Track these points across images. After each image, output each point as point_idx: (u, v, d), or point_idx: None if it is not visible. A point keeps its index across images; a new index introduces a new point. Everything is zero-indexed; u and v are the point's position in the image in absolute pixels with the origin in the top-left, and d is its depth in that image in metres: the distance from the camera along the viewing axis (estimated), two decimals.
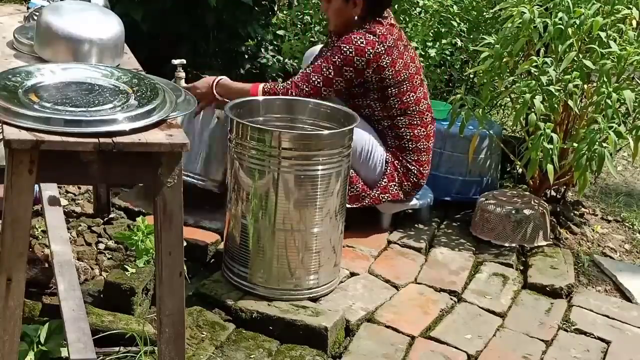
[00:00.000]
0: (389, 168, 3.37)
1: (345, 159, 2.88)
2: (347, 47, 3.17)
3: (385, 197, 3.38)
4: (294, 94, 3.16)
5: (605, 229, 3.90)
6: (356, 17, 3.26)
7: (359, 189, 3.33)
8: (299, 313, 2.76)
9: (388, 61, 3.21)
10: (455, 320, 2.93)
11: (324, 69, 3.18)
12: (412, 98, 3.34)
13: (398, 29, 3.35)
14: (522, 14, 3.40)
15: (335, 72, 3.16)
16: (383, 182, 3.36)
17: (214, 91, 3.23)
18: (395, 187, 3.38)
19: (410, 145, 3.38)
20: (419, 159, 3.41)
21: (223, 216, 3.04)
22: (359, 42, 3.17)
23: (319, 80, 3.17)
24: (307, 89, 3.17)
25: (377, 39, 3.19)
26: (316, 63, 3.24)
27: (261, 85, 3.21)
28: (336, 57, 3.17)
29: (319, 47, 3.70)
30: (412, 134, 3.37)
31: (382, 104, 3.30)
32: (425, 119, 3.41)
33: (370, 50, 3.16)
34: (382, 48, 3.19)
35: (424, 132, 3.40)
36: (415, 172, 3.41)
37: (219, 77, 3.28)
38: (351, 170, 3.28)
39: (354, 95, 3.30)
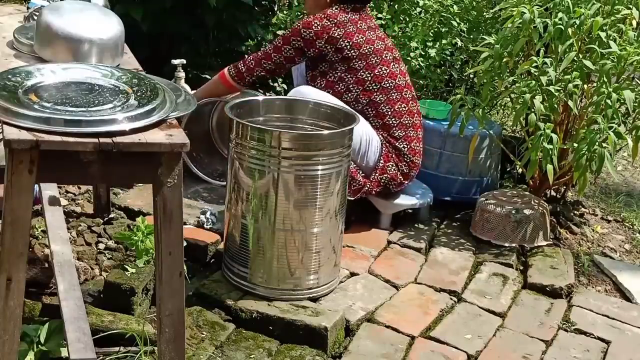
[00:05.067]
0: (383, 149, 3.40)
1: (345, 159, 2.88)
2: (297, 23, 3.48)
3: (385, 178, 3.40)
4: (249, 59, 3.45)
5: (605, 229, 3.90)
6: (329, 1, 3.48)
7: (360, 182, 3.34)
8: (299, 313, 2.76)
9: (340, 32, 3.36)
10: (455, 320, 2.93)
11: (275, 41, 3.47)
12: (385, 71, 3.40)
13: (368, 17, 3.49)
14: (522, 14, 3.40)
15: (284, 42, 3.41)
16: (380, 164, 3.39)
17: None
18: (393, 167, 3.41)
19: (394, 122, 3.41)
20: (407, 135, 3.44)
21: None
22: (307, 19, 3.43)
23: (269, 48, 3.44)
24: (260, 54, 3.43)
25: (324, 16, 3.40)
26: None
27: (227, 68, 3.49)
28: (286, 31, 3.52)
29: None
30: (393, 109, 3.41)
31: (354, 77, 3.37)
32: (405, 94, 3.46)
33: (318, 23, 3.37)
34: (330, 22, 3.37)
35: (405, 107, 3.44)
36: (406, 150, 3.43)
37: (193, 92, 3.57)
38: (352, 165, 3.29)
39: (323, 72, 3.40)
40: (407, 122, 3.43)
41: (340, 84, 3.36)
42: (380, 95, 3.38)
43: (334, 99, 3.29)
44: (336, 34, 3.34)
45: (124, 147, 1.84)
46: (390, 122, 3.40)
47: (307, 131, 3.09)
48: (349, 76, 3.36)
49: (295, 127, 3.12)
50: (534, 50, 3.57)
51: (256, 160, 2.79)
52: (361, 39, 3.36)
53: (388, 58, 3.42)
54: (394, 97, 3.40)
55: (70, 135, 1.82)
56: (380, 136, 3.41)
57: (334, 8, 3.41)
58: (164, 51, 4.22)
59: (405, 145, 3.42)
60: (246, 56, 3.54)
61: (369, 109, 3.38)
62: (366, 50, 3.36)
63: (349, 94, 3.35)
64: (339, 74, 3.37)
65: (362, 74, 3.36)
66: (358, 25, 3.39)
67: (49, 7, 2.41)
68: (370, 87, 3.37)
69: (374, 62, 3.38)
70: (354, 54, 3.35)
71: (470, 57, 4.57)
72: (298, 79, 3.59)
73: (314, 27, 3.35)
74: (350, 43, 3.35)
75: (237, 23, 4.44)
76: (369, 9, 3.57)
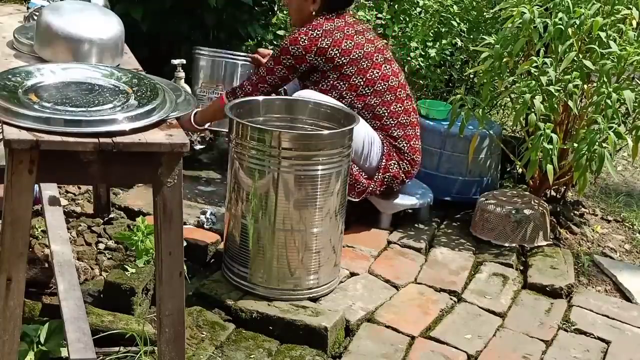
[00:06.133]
0: (384, 149, 3.40)
1: (345, 159, 2.88)
2: (284, 41, 3.43)
3: (388, 177, 3.40)
4: (245, 84, 3.42)
5: (605, 229, 3.90)
6: (313, 12, 3.45)
7: (364, 184, 3.34)
8: (299, 313, 2.76)
9: (328, 41, 3.34)
10: (455, 320, 2.93)
11: (267, 63, 3.45)
12: (376, 74, 3.39)
13: (353, 20, 3.49)
14: (522, 14, 3.40)
15: (275, 62, 3.39)
16: (382, 163, 3.39)
17: (193, 125, 3.54)
18: (395, 166, 3.40)
19: (391, 122, 3.41)
20: (406, 133, 3.44)
21: None
22: (293, 35, 3.40)
23: (262, 71, 3.43)
24: (254, 78, 3.42)
25: (309, 29, 3.37)
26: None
27: (224, 96, 3.45)
28: (275, 50, 3.46)
29: None
30: (389, 110, 3.40)
31: (346, 84, 3.35)
32: (400, 94, 3.45)
33: (304, 37, 3.35)
34: (317, 33, 3.35)
35: (400, 107, 3.43)
36: (406, 148, 3.43)
37: (194, 111, 3.55)
38: (355, 167, 3.29)
39: (315, 82, 3.39)
40: (404, 121, 3.43)
41: (333, 92, 3.34)
42: (375, 99, 3.38)
43: (335, 101, 3.29)
44: (324, 44, 3.32)
45: (124, 147, 1.84)
46: (388, 122, 3.40)
47: (307, 131, 3.09)
48: (341, 83, 3.35)
49: (295, 127, 3.12)
50: (534, 50, 3.57)
51: (256, 160, 2.79)
52: (350, 45, 3.35)
53: (379, 60, 3.41)
54: (388, 99, 3.40)
55: (70, 135, 1.82)
56: (380, 136, 3.41)
57: (318, 19, 3.39)
58: (164, 51, 4.22)
59: (405, 144, 3.43)
60: (242, 82, 3.52)
61: (365, 112, 3.38)
62: (356, 55, 3.35)
63: (343, 100, 3.34)
64: (331, 82, 3.35)
65: (355, 79, 3.35)
66: (345, 31, 3.37)
67: (49, 7, 2.41)
68: (364, 92, 3.36)
69: (365, 66, 3.36)
70: (344, 60, 3.34)
71: (470, 57, 4.57)
72: (290, 85, 3.60)
73: (300, 42, 3.32)
74: (340, 50, 3.33)
75: (237, 23, 4.43)
76: (351, 12, 3.57)
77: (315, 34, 3.33)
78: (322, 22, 3.38)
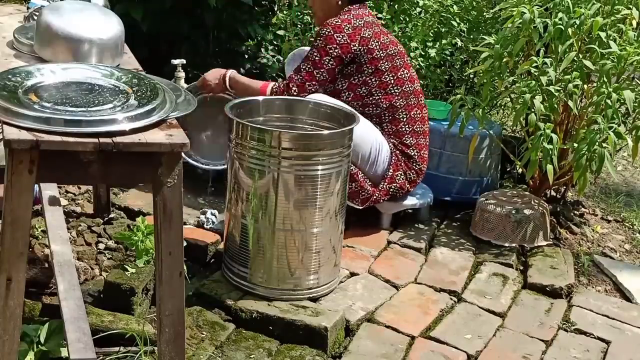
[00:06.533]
0: (393, 158, 3.39)
1: (345, 159, 2.88)
2: (325, 29, 3.30)
3: (393, 187, 3.39)
4: (291, 86, 3.28)
5: (605, 229, 3.90)
6: (339, 2, 3.38)
7: (369, 191, 3.33)
8: (299, 313, 2.76)
9: (370, 32, 3.30)
10: (455, 320, 2.93)
11: (310, 55, 3.31)
12: (406, 75, 3.38)
13: (375, 16, 3.46)
14: (522, 14, 3.40)
15: (322, 54, 3.27)
16: (389, 173, 3.38)
17: (226, 85, 3.42)
18: (402, 176, 3.40)
19: (407, 129, 3.40)
20: (418, 142, 3.44)
21: None
22: (334, 22, 3.30)
23: (308, 66, 3.29)
24: (299, 77, 3.28)
25: (352, 17, 3.31)
26: (305, 55, 3.37)
27: (270, 85, 3.33)
28: (318, 41, 3.30)
29: (301, 49, 3.75)
30: (408, 116, 3.39)
31: (378, 80, 3.33)
32: (421, 100, 3.46)
33: (348, 25, 3.28)
34: (360, 22, 3.30)
35: (419, 114, 3.43)
36: (416, 157, 3.43)
37: (229, 71, 3.44)
38: (360, 174, 3.29)
39: (348, 75, 3.33)
40: (418, 129, 3.43)
41: (363, 88, 3.32)
42: (401, 100, 3.36)
43: (335, 100, 3.27)
44: (367, 34, 3.29)
45: (124, 147, 1.84)
46: (404, 129, 3.39)
47: (307, 131, 3.09)
48: (373, 79, 3.32)
49: (295, 127, 3.12)
50: (534, 50, 3.57)
51: (256, 160, 2.79)
52: (386, 40, 3.34)
53: (407, 62, 3.42)
54: (412, 102, 3.39)
55: (70, 135, 1.82)
56: (390, 143, 3.40)
57: (357, 9, 3.33)
58: (164, 51, 4.22)
59: (416, 153, 3.42)
60: (288, 79, 3.30)
61: (387, 114, 3.37)
62: (392, 52, 3.34)
63: (371, 97, 3.33)
64: (364, 77, 3.32)
65: (387, 76, 3.33)
66: (379, 27, 3.36)
67: (49, 7, 2.41)
68: (392, 91, 3.34)
69: (398, 64, 3.35)
70: (382, 54, 3.31)
71: (470, 57, 4.57)
72: None
73: (345, 30, 3.26)
74: (379, 43, 3.31)
75: (237, 23, 4.43)
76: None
77: (357, 23, 3.29)
78: (361, 14, 3.34)
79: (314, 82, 3.27)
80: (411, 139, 3.41)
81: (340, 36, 3.25)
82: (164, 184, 1.89)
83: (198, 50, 4.41)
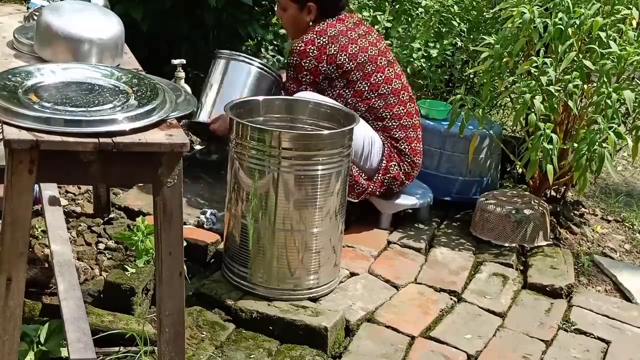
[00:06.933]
0: (385, 149, 3.40)
1: (345, 159, 2.88)
2: (292, 57, 3.35)
3: (388, 178, 3.39)
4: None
5: (605, 229, 3.90)
6: (310, 23, 3.41)
7: (363, 185, 3.34)
8: (299, 313, 2.76)
9: (336, 48, 3.32)
10: (455, 320, 2.93)
11: (288, 86, 3.37)
12: (380, 78, 3.38)
13: (354, 20, 3.46)
14: (522, 14, 3.40)
15: (296, 84, 3.34)
16: (383, 164, 3.38)
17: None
18: (395, 167, 3.40)
19: (393, 124, 3.41)
20: (407, 135, 3.43)
21: None
22: (299, 48, 3.33)
23: (292, 85, 3.35)
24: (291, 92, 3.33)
25: (315, 36, 3.33)
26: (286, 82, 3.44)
27: None
28: (290, 70, 3.36)
29: None
30: (391, 113, 3.40)
31: (352, 90, 3.35)
32: (402, 97, 3.44)
33: (312, 48, 3.31)
34: (324, 40, 3.32)
35: (403, 109, 3.43)
36: (407, 150, 3.43)
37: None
38: (354, 168, 3.29)
39: (321, 90, 3.35)
40: (406, 123, 3.43)
41: (339, 100, 3.33)
42: (379, 101, 3.38)
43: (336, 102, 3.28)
44: (332, 50, 3.31)
45: (124, 147, 1.84)
46: (390, 124, 3.40)
47: (307, 131, 3.09)
48: (347, 91, 3.35)
49: (295, 127, 3.12)
50: (534, 50, 3.57)
51: (256, 160, 2.79)
52: (355, 49, 3.34)
53: (382, 64, 3.41)
54: (392, 101, 3.40)
55: (70, 135, 1.82)
56: (381, 137, 3.41)
57: (320, 24, 3.36)
58: (164, 51, 4.22)
59: (407, 146, 3.43)
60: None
61: (368, 115, 3.38)
62: (362, 59, 3.35)
63: (347, 105, 3.33)
64: (337, 90, 3.35)
65: (360, 84, 3.35)
66: (348, 35, 3.36)
67: (49, 7, 2.41)
68: (368, 96, 3.36)
69: (369, 70, 3.36)
70: (352, 66, 3.33)
71: (470, 57, 4.57)
72: None
73: (310, 53, 3.29)
74: (347, 55, 3.32)
75: (237, 23, 4.43)
76: (351, 13, 3.55)
77: (322, 41, 3.31)
78: (326, 28, 3.35)
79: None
80: (400, 132, 3.42)
81: (307, 61, 3.31)
82: (164, 184, 1.89)
83: (198, 50, 4.41)
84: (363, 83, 3.35)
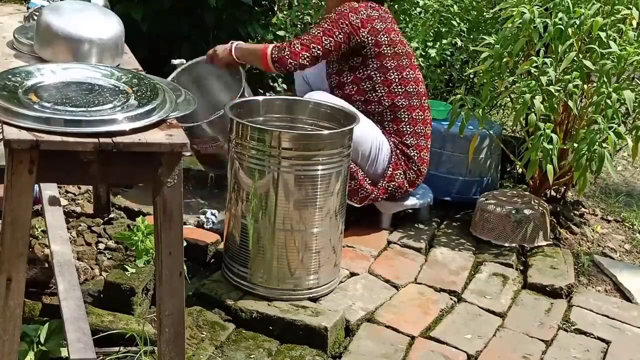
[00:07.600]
0: (393, 157, 3.38)
1: (345, 159, 2.88)
2: (342, 7, 3.30)
3: (392, 186, 3.39)
4: (295, 42, 3.26)
5: (605, 229, 3.90)
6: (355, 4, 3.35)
7: (368, 190, 3.33)
8: (299, 313, 2.76)
9: (382, 26, 3.30)
10: (455, 320, 2.93)
11: (323, 23, 3.30)
12: (411, 75, 3.38)
13: (391, 14, 3.45)
14: (522, 14, 3.40)
15: (333, 25, 3.25)
16: (389, 171, 3.38)
17: (234, 55, 3.42)
18: (401, 175, 3.40)
19: (408, 129, 3.40)
20: (418, 144, 3.43)
21: None
22: (351, 5, 3.30)
23: (318, 31, 3.27)
24: (306, 38, 3.26)
25: (369, 7, 3.32)
26: (315, 23, 3.40)
27: (270, 47, 3.30)
28: (333, 13, 3.30)
29: None
30: (410, 116, 3.39)
31: (383, 76, 3.32)
32: (424, 103, 3.45)
33: (364, 11, 3.29)
34: (375, 13, 3.31)
35: (421, 115, 3.43)
36: (416, 158, 3.42)
37: (235, 42, 3.47)
38: (360, 173, 3.29)
39: (353, 67, 3.33)
40: (420, 130, 3.42)
41: (367, 82, 3.32)
42: (403, 100, 3.36)
43: (349, 106, 3.26)
44: (378, 26, 3.28)
45: (124, 147, 1.84)
46: (405, 128, 3.39)
47: (307, 131, 3.09)
48: (378, 75, 3.32)
49: (295, 127, 3.12)
50: (534, 50, 3.57)
51: (256, 160, 2.79)
52: (396, 38, 3.34)
53: (415, 63, 3.42)
54: (415, 104, 3.39)
55: (70, 135, 1.82)
56: (391, 142, 3.40)
57: (369, 4, 3.32)
58: (164, 51, 4.22)
59: (416, 154, 3.42)
60: (290, 41, 3.38)
61: (388, 112, 3.37)
62: (400, 50, 3.34)
63: (374, 94, 3.33)
64: (368, 71, 3.32)
65: (392, 74, 3.33)
66: (392, 24, 3.36)
67: (49, 7, 2.41)
68: (396, 90, 3.34)
69: (404, 63, 3.35)
70: (389, 51, 3.31)
71: (470, 57, 4.57)
72: (310, 79, 3.55)
73: (360, 14, 3.26)
74: (389, 39, 3.30)
75: (237, 23, 4.44)
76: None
77: (373, 14, 3.29)
78: (378, 7, 3.33)
79: (319, 47, 3.24)
80: (412, 139, 3.41)
81: (355, 17, 3.25)
82: (164, 184, 1.89)
83: (198, 50, 4.40)
84: (395, 73, 3.33)
